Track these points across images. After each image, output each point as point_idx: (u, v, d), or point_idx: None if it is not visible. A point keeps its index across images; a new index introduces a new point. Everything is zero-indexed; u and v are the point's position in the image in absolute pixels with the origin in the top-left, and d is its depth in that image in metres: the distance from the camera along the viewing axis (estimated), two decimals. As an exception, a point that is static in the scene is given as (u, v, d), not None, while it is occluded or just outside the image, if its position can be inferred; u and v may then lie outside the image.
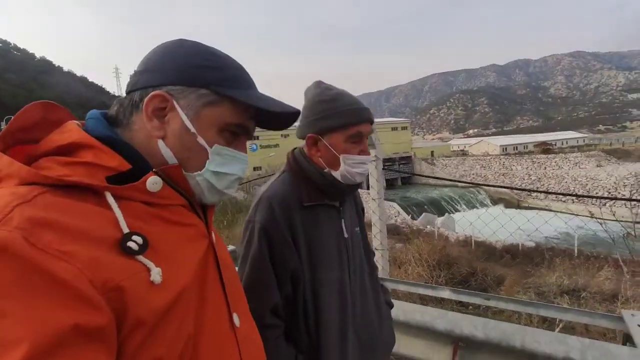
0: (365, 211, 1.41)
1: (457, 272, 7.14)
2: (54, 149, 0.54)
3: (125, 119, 0.63)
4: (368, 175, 2.58)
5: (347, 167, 1.09)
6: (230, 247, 3.70)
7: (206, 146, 0.63)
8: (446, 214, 26.50)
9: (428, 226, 19.86)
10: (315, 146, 1.13)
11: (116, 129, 0.62)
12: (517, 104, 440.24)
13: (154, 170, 0.58)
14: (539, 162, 43.18)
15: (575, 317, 1.92)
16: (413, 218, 24.59)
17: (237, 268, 1.02)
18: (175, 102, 0.61)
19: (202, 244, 0.64)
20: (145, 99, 0.60)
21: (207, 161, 0.63)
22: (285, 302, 1.05)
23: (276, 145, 51.59)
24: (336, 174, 1.11)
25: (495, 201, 37.01)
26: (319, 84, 1.16)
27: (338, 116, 1.08)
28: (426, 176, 49.81)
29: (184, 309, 0.54)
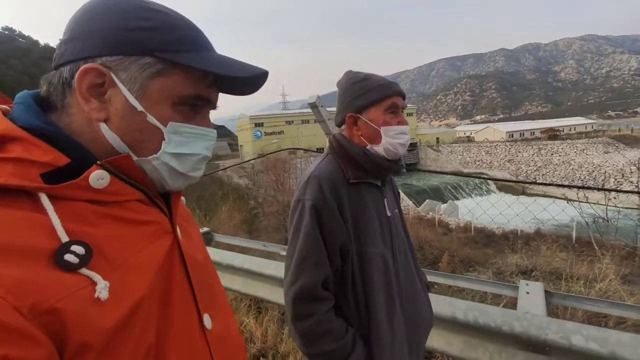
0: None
1: (428, 253, 7.78)
2: None
3: (59, 101, 0.53)
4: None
5: (388, 139, 1.15)
6: (204, 229, 3.76)
7: (159, 125, 0.53)
8: (449, 200, 26.54)
9: (430, 213, 19.98)
10: (355, 125, 1.18)
11: (50, 115, 0.53)
12: (526, 89, 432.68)
13: (98, 162, 0.49)
14: (545, 149, 42.78)
15: (484, 287, 2.53)
16: (416, 205, 24.70)
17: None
18: (114, 76, 0.51)
19: (164, 242, 0.56)
20: (76, 76, 0.50)
21: (163, 142, 0.54)
22: (335, 275, 1.08)
23: (280, 132, 51.57)
24: (379, 149, 1.16)
25: (500, 188, 36.88)
26: (348, 72, 1.23)
27: (372, 91, 1.14)
28: (421, 170, 49.62)
29: (143, 320, 0.48)
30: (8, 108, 0.52)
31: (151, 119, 0.53)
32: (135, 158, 0.53)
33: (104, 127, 0.52)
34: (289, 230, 1.13)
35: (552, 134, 53.90)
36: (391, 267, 1.15)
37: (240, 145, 54.25)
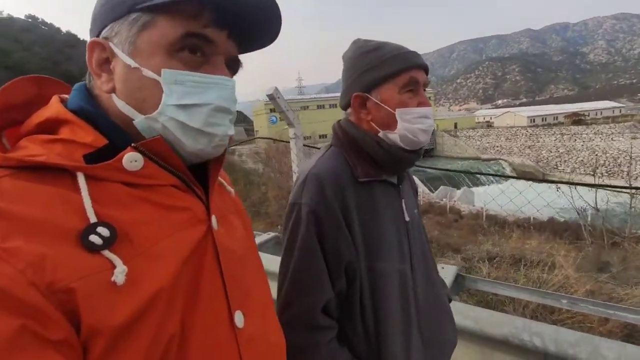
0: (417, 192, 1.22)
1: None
2: (35, 127, 0.49)
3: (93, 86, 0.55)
4: (294, 151, 2.88)
5: (405, 124, 0.91)
6: (271, 234, 3.51)
7: (156, 77, 0.51)
8: (463, 187, 26.15)
9: (444, 199, 19.78)
10: (363, 108, 0.95)
11: (96, 100, 0.55)
12: (551, 71, 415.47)
13: (132, 145, 0.49)
14: (568, 134, 41.32)
15: None
16: (431, 191, 24.47)
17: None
18: (111, 45, 0.52)
19: (196, 231, 0.54)
20: (87, 56, 0.53)
21: (163, 95, 0.51)
22: (338, 298, 0.89)
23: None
24: (394, 137, 0.92)
25: (519, 174, 36.00)
26: (357, 41, 0.99)
27: (385, 64, 0.90)
28: (423, 167, 48.73)
29: (163, 310, 0.46)
30: (66, 96, 0.55)
31: (147, 72, 0.51)
32: (141, 117, 0.51)
33: (114, 98, 0.52)
34: (282, 237, 0.92)
35: (577, 119, 51.90)
36: (410, 284, 0.95)
37: (256, 131, 54.55)
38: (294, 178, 3.25)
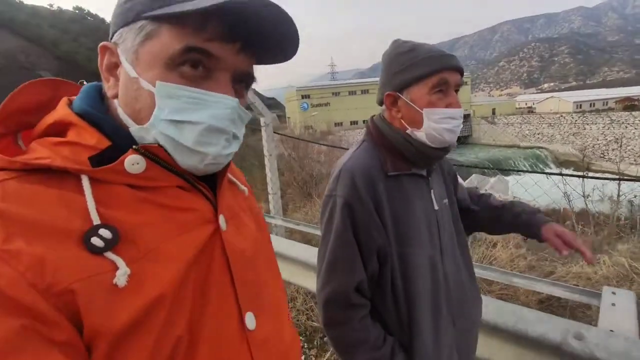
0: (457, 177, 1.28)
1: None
2: (44, 130, 0.50)
3: None
4: (265, 138, 3.09)
5: (431, 124, 0.97)
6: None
7: (151, 88, 0.49)
8: (498, 176, 25.25)
9: (476, 188, 19.22)
10: (395, 106, 1.02)
11: (106, 102, 0.55)
12: (605, 52, 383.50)
13: (134, 147, 0.49)
14: (618, 121, 38.40)
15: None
16: (463, 180, 23.84)
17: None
18: (119, 50, 0.52)
19: (203, 232, 0.54)
20: (99, 58, 0.53)
21: (156, 108, 0.49)
22: (371, 280, 0.97)
23: (327, 104, 51.38)
24: (420, 135, 0.98)
25: (560, 163, 34.16)
26: (395, 41, 1.05)
27: (417, 65, 0.96)
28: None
29: (168, 313, 0.46)
30: (74, 98, 0.56)
31: (143, 83, 0.50)
32: (135, 128, 0.51)
33: (116, 103, 0.53)
34: (320, 225, 1.03)
35: (629, 104, 47.94)
36: (440, 269, 1.03)
37: (288, 117, 55.04)
38: (266, 162, 3.48)
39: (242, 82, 0.56)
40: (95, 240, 0.43)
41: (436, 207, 1.06)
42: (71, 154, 0.47)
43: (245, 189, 0.73)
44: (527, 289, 2.56)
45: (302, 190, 8.63)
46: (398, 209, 0.98)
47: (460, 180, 1.31)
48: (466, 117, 48.63)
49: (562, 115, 44.18)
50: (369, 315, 0.98)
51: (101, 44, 0.52)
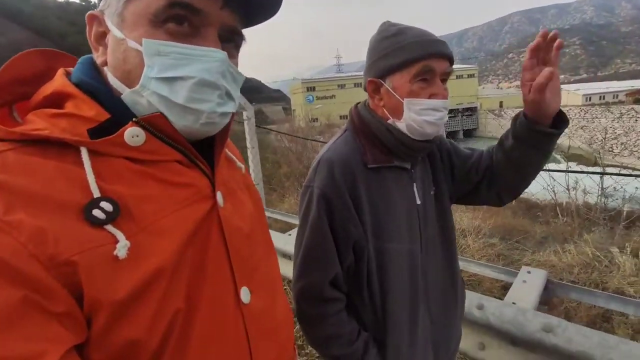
0: (451, 154, 1.13)
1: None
2: (41, 101, 0.49)
3: None
4: (246, 126, 3.33)
5: (412, 114, 0.91)
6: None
7: (138, 47, 0.49)
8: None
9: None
10: (377, 94, 0.96)
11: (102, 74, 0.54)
12: (618, 44, 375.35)
13: (134, 119, 0.49)
14: (628, 114, 37.83)
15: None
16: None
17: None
18: (105, 17, 0.52)
19: (200, 207, 0.54)
20: (87, 28, 0.53)
21: (145, 67, 0.49)
22: (347, 274, 0.96)
23: (332, 97, 51.24)
24: (401, 125, 0.93)
25: (568, 157, 33.85)
26: (383, 24, 0.99)
27: (401, 51, 0.89)
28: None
29: (166, 285, 0.47)
30: (72, 69, 0.55)
31: (130, 43, 0.49)
32: (126, 92, 0.51)
33: (107, 70, 0.52)
34: (298, 216, 1.00)
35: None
36: (419, 265, 1.00)
37: (293, 110, 55.02)
38: (248, 153, 3.65)
39: (230, 41, 0.56)
40: (96, 212, 0.43)
41: (418, 202, 1.01)
42: (70, 126, 0.46)
43: (242, 166, 0.74)
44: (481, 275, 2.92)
45: (299, 182, 8.89)
46: (377, 203, 0.94)
47: (464, 150, 1.16)
48: (473, 110, 48.28)
49: (571, 108, 43.62)
50: (344, 309, 0.96)
51: (88, 13, 0.52)
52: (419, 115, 0.91)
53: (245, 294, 0.57)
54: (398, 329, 0.96)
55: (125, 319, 0.43)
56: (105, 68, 0.52)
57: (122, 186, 0.47)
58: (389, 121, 0.96)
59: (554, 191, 6.35)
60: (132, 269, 0.44)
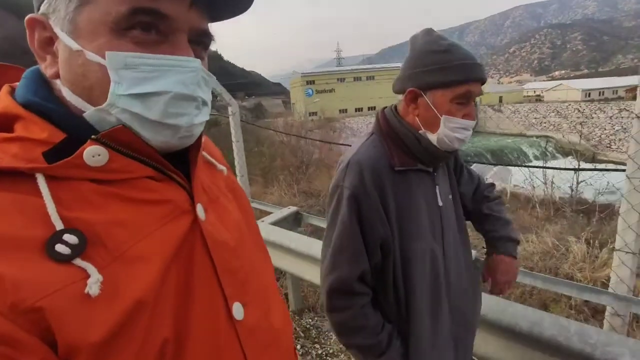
0: (462, 168, 1.27)
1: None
2: None
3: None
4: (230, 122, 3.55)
5: (446, 131, 0.98)
6: (292, 209, 3.27)
7: (100, 60, 0.43)
8: (499, 165, 25.28)
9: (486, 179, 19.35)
10: (414, 102, 1.01)
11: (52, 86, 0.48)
12: (620, 39, 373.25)
13: (92, 137, 0.43)
14: (627, 110, 37.86)
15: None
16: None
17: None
18: (51, 22, 0.45)
19: (180, 225, 0.50)
20: (27, 34, 0.46)
21: (112, 83, 0.43)
22: (374, 270, 1.01)
23: (332, 90, 51.10)
24: (432, 137, 1.00)
25: (566, 153, 33.94)
26: (430, 32, 1.02)
27: (450, 70, 0.94)
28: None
29: (149, 317, 0.42)
30: (16, 85, 0.50)
31: (90, 55, 0.43)
32: (90, 110, 0.45)
33: (59, 84, 0.46)
34: (327, 214, 1.05)
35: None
36: (441, 263, 1.05)
37: (293, 103, 54.94)
38: (233, 147, 3.78)
39: (199, 43, 0.51)
40: (59, 248, 0.38)
41: (440, 204, 1.08)
42: (21, 152, 0.41)
43: (224, 168, 0.69)
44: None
45: (291, 175, 9.19)
46: (402, 203, 1.00)
47: (474, 172, 1.32)
48: (472, 105, 48.25)
49: (570, 104, 43.62)
50: (370, 303, 1.02)
51: (28, 17, 0.45)
52: (452, 132, 0.99)
53: (237, 311, 0.53)
54: (421, 324, 1.02)
55: (109, 359, 0.39)
56: (57, 81, 0.46)
57: (89, 212, 0.42)
58: (420, 131, 1.02)
59: (532, 185, 6.86)
60: (108, 305, 0.39)
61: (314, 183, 8.07)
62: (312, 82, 51.19)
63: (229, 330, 0.52)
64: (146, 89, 0.44)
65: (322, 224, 3.40)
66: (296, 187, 7.65)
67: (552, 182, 6.62)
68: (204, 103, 0.51)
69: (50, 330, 0.36)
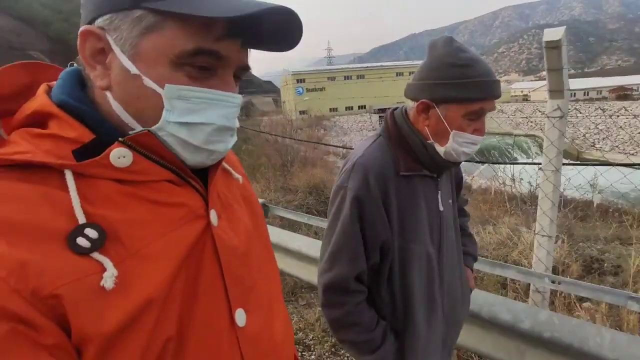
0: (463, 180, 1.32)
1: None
2: (24, 120, 0.47)
3: (86, 74, 0.51)
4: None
5: (454, 145, 0.98)
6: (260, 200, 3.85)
7: (157, 89, 0.46)
8: (486, 164, 25.71)
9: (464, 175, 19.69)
10: (425, 113, 1.00)
11: (87, 89, 0.51)
12: (605, 40, 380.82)
13: (120, 140, 0.46)
14: (610, 110, 38.83)
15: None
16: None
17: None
18: (108, 37, 0.46)
19: (194, 228, 0.52)
20: (78, 43, 0.48)
21: (165, 110, 0.47)
22: (370, 270, 1.03)
23: (322, 89, 51.15)
24: (440, 149, 1.00)
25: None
26: (451, 42, 0.98)
27: (466, 87, 0.92)
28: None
29: (158, 314, 0.45)
30: (53, 84, 0.52)
31: (148, 82, 0.46)
32: (139, 129, 0.48)
33: (109, 97, 0.48)
34: (328, 212, 1.06)
35: (622, 94, 48.23)
36: (435, 265, 1.07)
37: (283, 102, 54.87)
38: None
39: (239, 77, 0.55)
40: (80, 241, 0.41)
41: (441, 208, 1.09)
42: (53, 148, 0.44)
43: (240, 177, 0.71)
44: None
45: (274, 172, 9.63)
46: (404, 207, 1.01)
47: (462, 183, 1.37)
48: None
49: (555, 104, 44.27)
50: (365, 301, 1.04)
51: (85, 28, 0.46)
52: (460, 147, 0.99)
53: (240, 317, 0.55)
54: (416, 324, 1.04)
55: (115, 351, 0.42)
56: (107, 93, 0.48)
57: (110, 210, 0.45)
58: (429, 141, 1.02)
59: (502, 182, 7.41)
60: (121, 299, 0.42)
61: (294, 180, 8.27)
62: (302, 81, 51.19)
63: (230, 336, 0.53)
64: (194, 119, 0.48)
65: (290, 215, 3.54)
66: (276, 184, 7.91)
67: (521, 178, 7.05)
68: (235, 131, 0.56)
69: (66, 317, 0.39)
